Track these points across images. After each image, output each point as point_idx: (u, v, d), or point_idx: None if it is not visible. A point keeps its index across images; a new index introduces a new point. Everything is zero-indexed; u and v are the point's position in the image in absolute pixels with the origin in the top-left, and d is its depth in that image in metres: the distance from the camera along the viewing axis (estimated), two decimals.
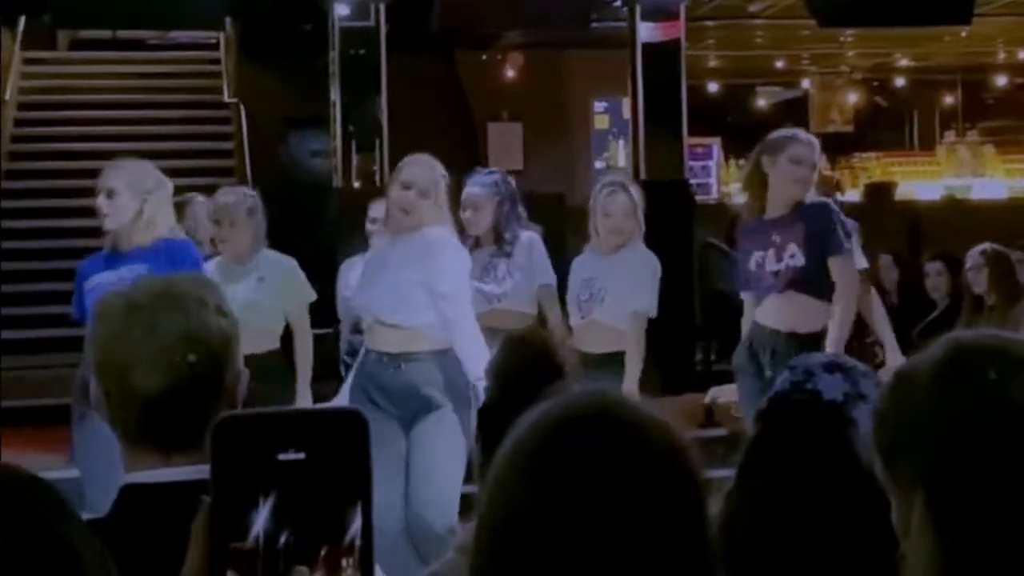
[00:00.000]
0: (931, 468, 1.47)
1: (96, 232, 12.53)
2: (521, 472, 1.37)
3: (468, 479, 5.13)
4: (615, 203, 6.06)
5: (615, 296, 5.95)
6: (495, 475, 1.40)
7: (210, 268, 5.96)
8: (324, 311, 6.69)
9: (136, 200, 5.39)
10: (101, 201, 5.39)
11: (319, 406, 4.27)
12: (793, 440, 2.08)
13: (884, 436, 1.55)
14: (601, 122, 16.73)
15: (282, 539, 1.14)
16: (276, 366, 5.96)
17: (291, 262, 6.21)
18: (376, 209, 6.66)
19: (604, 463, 1.34)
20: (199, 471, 1.88)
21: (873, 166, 20.02)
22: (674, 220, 10.00)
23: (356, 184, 11.78)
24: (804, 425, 2.09)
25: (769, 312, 5.55)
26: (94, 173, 13.78)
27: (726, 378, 6.37)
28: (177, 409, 1.87)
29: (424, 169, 5.40)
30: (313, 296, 6.21)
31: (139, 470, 1.90)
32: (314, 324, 6.27)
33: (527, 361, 2.87)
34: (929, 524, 1.48)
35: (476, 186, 6.30)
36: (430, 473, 5.22)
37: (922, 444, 1.48)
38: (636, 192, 6.18)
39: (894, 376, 1.59)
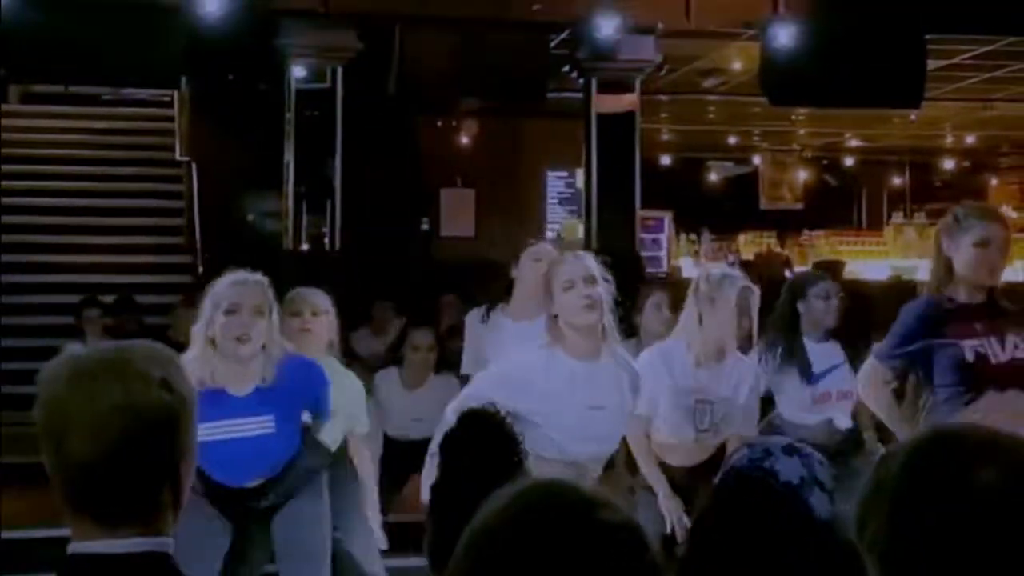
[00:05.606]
0: (885, 538, 1.53)
1: (51, 287, 12.22)
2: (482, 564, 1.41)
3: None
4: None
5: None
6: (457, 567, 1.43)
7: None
8: None
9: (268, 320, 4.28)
10: (247, 323, 4.23)
11: None
12: (747, 516, 2.13)
13: (858, 507, 1.60)
14: (555, 191, 16.78)
15: None
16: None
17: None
18: (423, 335, 6.34)
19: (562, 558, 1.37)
20: (146, 543, 1.83)
21: (821, 244, 20.19)
22: (624, 294, 9.97)
23: (304, 247, 11.72)
24: (759, 503, 2.13)
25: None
26: (43, 228, 13.58)
27: None
28: (114, 481, 1.83)
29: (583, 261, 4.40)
30: None
31: (82, 540, 1.85)
32: None
33: (480, 438, 2.84)
34: None
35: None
36: None
37: (881, 516, 1.54)
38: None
39: (881, 455, 1.64)
